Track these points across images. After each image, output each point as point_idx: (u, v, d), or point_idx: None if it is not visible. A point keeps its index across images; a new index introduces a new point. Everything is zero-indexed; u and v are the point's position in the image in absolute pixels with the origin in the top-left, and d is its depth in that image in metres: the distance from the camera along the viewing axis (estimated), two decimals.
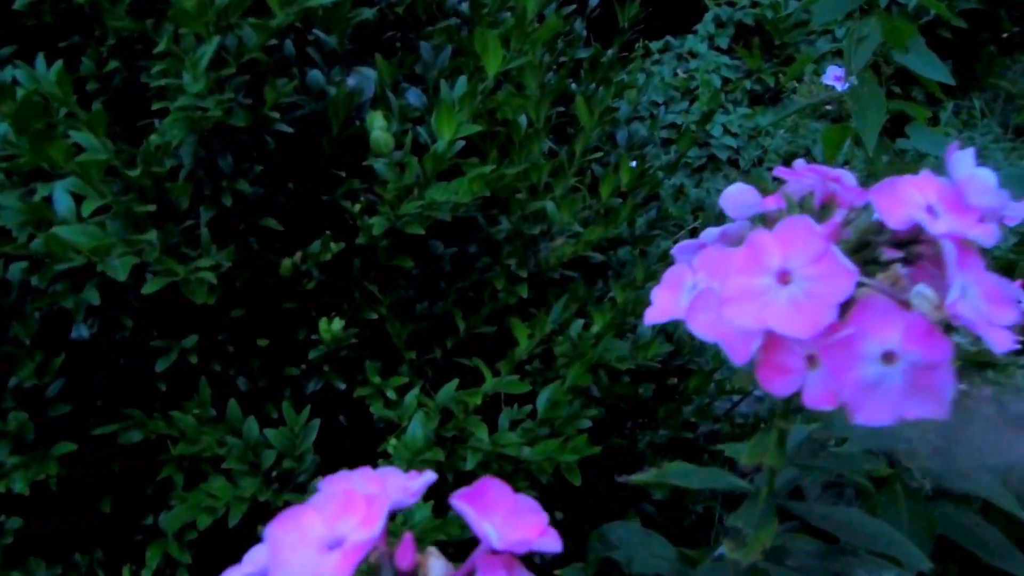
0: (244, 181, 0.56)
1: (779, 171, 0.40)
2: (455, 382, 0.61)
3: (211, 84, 0.50)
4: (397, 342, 0.66)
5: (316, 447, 0.64)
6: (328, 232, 0.62)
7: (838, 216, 0.37)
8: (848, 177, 0.39)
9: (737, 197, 0.40)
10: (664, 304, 0.36)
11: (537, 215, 0.68)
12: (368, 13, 0.65)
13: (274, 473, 0.62)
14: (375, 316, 0.65)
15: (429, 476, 0.33)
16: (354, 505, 0.29)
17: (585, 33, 0.83)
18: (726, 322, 0.32)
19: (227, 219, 0.60)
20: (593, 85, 0.76)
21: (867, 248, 0.34)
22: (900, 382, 0.30)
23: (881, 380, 0.31)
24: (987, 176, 0.33)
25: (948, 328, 0.31)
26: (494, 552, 0.30)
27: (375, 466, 0.64)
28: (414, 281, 0.71)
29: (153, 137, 0.51)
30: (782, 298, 0.31)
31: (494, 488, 0.32)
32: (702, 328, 0.33)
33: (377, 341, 0.69)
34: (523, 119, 0.67)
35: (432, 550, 0.32)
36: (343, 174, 0.66)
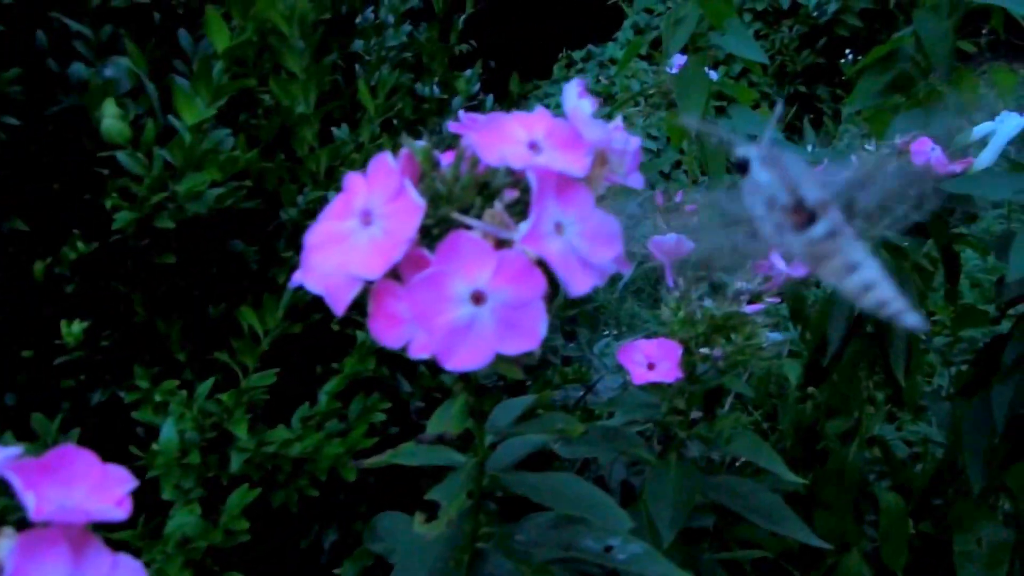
0: None
1: (451, 125, 0.39)
2: (211, 381, 0.58)
3: None
4: (173, 347, 0.63)
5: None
6: (76, 231, 0.59)
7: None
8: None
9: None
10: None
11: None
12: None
13: None
14: (147, 318, 0.62)
15: (14, 451, 0.30)
16: None
17: (392, 20, 0.81)
18: (318, 270, 0.30)
19: None
20: (386, 69, 0.75)
21: (487, 189, 0.32)
22: (491, 322, 0.29)
23: (472, 322, 0.29)
24: (585, 107, 0.31)
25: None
26: (68, 527, 0.28)
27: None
28: (205, 281, 0.68)
29: None
30: (364, 239, 0.29)
31: (76, 457, 0.30)
32: (311, 282, 0.31)
33: (160, 345, 0.66)
34: (302, 106, 0.65)
35: (5, 530, 0.29)
36: (106, 171, 0.63)
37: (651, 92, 1.10)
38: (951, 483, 0.78)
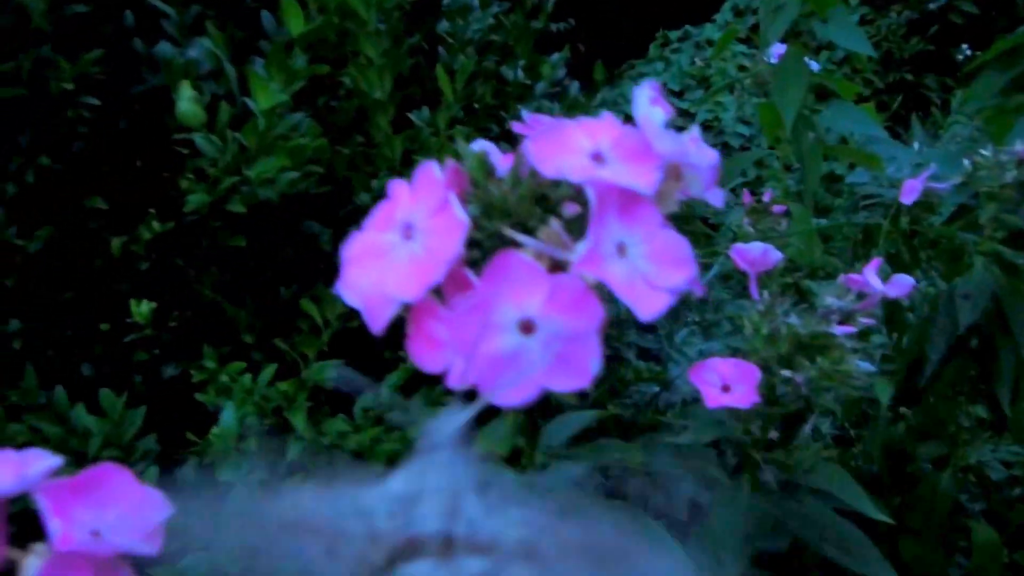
0: (46, 156, 0.54)
1: (515, 126, 0.36)
2: (273, 367, 0.57)
3: None
4: (241, 329, 0.63)
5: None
6: (152, 211, 0.59)
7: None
8: None
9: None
10: None
11: None
12: None
13: None
14: (218, 299, 0.62)
15: (53, 462, 0.29)
16: None
17: (476, 2, 0.79)
18: (355, 286, 0.28)
19: (44, 197, 0.58)
20: (471, 52, 0.72)
21: (544, 203, 0.29)
22: (540, 355, 0.26)
23: (518, 353, 0.26)
24: (657, 115, 0.28)
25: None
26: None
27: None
28: (278, 262, 0.68)
29: None
30: (403, 255, 0.27)
31: (114, 477, 0.29)
32: (349, 296, 0.29)
33: (230, 327, 0.66)
34: (378, 92, 0.64)
35: (38, 548, 0.28)
36: (186, 151, 0.63)
37: (746, 80, 1.05)
38: None
